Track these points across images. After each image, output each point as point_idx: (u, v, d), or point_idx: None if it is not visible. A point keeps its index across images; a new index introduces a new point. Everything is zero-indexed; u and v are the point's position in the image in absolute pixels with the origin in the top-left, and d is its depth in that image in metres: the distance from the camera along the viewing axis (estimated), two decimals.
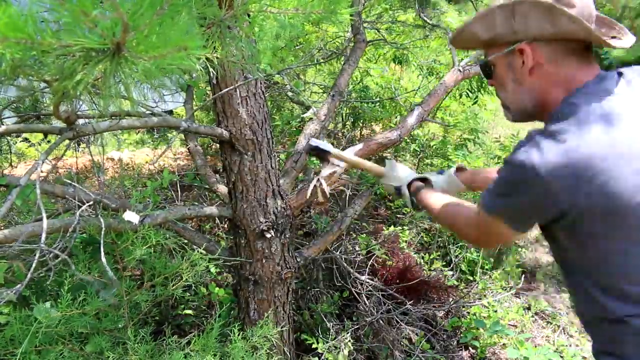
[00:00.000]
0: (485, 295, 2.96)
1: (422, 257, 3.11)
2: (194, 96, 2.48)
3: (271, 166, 1.75)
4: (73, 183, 1.37)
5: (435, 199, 1.27)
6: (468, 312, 2.82)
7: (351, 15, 2.31)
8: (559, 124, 0.86)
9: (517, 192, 0.89)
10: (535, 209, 0.89)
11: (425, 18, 3.10)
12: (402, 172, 1.46)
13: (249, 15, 0.67)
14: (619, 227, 0.85)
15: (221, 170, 2.57)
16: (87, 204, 1.29)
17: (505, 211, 0.94)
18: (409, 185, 1.41)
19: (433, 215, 1.26)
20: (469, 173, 1.48)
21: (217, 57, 0.72)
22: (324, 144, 1.54)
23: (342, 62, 2.37)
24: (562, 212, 0.85)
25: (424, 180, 1.44)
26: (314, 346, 2.14)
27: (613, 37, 0.95)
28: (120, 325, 1.52)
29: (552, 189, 0.83)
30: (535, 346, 2.48)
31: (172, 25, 0.42)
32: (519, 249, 3.35)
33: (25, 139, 3.97)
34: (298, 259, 1.95)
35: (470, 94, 3.69)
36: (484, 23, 0.98)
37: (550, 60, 0.93)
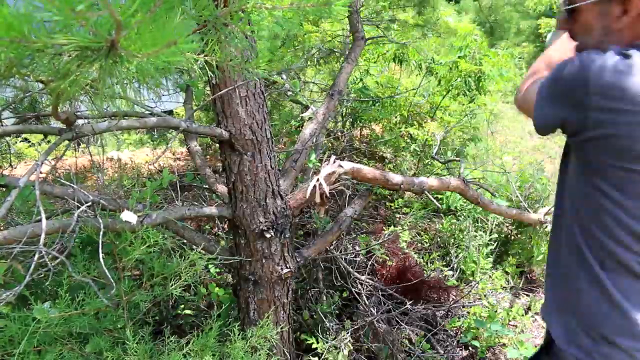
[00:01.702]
0: (485, 295, 2.96)
1: (422, 257, 3.11)
2: (194, 96, 2.48)
3: (271, 166, 1.74)
4: (72, 185, 1.37)
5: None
6: (468, 312, 2.82)
7: (348, 9, 2.31)
8: (633, 49, 0.85)
9: (556, 90, 0.91)
10: (566, 118, 0.90)
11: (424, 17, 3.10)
12: None
13: (244, 12, 0.67)
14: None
15: (221, 170, 2.57)
16: (86, 205, 1.29)
17: (540, 96, 0.95)
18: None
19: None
20: None
21: (215, 60, 0.72)
22: None
23: (342, 61, 2.36)
24: (576, 130, 0.88)
25: None
26: (313, 346, 2.13)
27: None
28: (119, 326, 1.52)
29: (593, 104, 0.83)
30: (535, 346, 2.48)
31: (165, 23, 0.42)
32: (519, 251, 3.35)
33: (25, 139, 3.97)
34: (298, 259, 1.95)
35: (467, 93, 3.70)
36: None
37: None
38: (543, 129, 0.99)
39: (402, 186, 1.98)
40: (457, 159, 2.58)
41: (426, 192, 2.08)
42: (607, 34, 0.94)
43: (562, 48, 1.15)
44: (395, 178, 1.97)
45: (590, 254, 0.95)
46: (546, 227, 2.65)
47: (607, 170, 0.88)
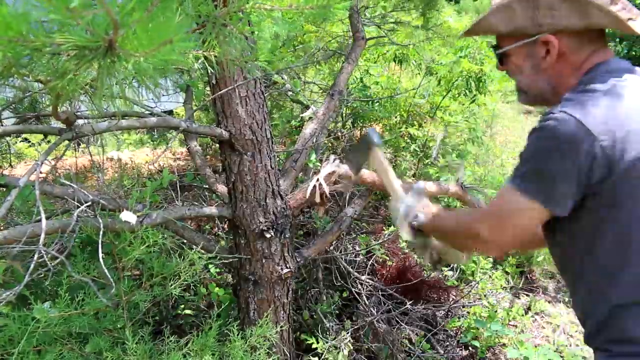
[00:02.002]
0: (485, 295, 2.96)
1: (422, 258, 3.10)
2: (194, 96, 2.47)
3: (271, 166, 1.74)
4: (71, 184, 1.37)
5: (444, 214, 1.18)
6: (468, 312, 2.81)
7: (349, 12, 2.31)
8: (587, 88, 0.88)
9: (556, 156, 0.85)
10: (578, 173, 0.84)
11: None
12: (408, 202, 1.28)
13: (243, 12, 0.67)
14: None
15: (221, 170, 2.56)
16: (86, 205, 1.29)
17: (538, 187, 0.88)
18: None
19: (443, 230, 1.15)
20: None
21: (214, 56, 0.72)
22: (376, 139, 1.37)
23: (342, 61, 2.36)
24: (603, 174, 0.83)
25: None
26: (313, 346, 2.13)
27: (629, 19, 0.94)
28: (119, 325, 1.52)
29: (597, 144, 0.81)
30: (536, 346, 2.48)
31: (163, 22, 0.42)
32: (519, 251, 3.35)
33: (25, 139, 3.97)
34: (298, 259, 1.95)
35: (468, 93, 3.69)
36: (502, 15, 0.97)
37: (572, 50, 0.94)
38: (566, 209, 0.88)
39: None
40: (457, 161, 2.58)
41: None
42: (538, 73, 0.99)
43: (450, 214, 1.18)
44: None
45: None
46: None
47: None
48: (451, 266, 3.10)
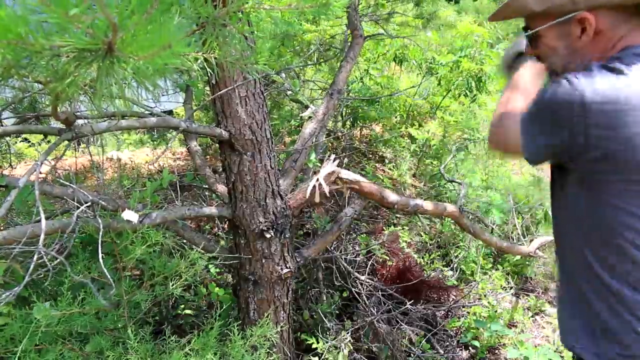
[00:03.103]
0: (485, 295, 2.96)
1: (422, 257, 3.11)
2: (194, 96, 2.47)
3: (270, 166, 1.74)
4: (71, 184, 1.37)
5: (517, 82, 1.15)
6: (468, 312, 2.82)
7: (347, 10, 2.31)
8: (610, 64, 0.85)
9: (546, 119, 0.87)
10: (561, 142, 0.86)
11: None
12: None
13: (242, 13, 0.67)
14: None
15: (221, 170, 2.56)
16: (85, 205, 1.29)
17: (528, 130, 0.92)
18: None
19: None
20: None
21: (214, 58, 0.72)
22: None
23: (341, 60, 2.36)
24: (588, 149, 0.83)
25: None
26: (313, 346, 2.14)
27: None
28: (120, 325, 1.52)
29: (590, 123, 0.81)
30: (536, 346, 2.48)
31: (162, 25, 0.42)
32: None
33: (25, 139, 3.97)
34: (298, 259, 1.95)
35: (468, 94, 3.69)
36: None
37: (610, 27, 0.91)
38: (536, 161, 0.95)
39: (396, 206, 2.00)
40: (459, 181, 2.58)
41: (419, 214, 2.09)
42: (572, 54, 0.96)
43: (527, 74, 1.13)
44: (391, 197, 1.98)
45: (607, 274, 0.91)
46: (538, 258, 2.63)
47: (617, 186, 0.85)
48: (451, 266, 3.10)
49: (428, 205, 2.09)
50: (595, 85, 0.81)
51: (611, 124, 0.80)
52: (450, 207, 2.14)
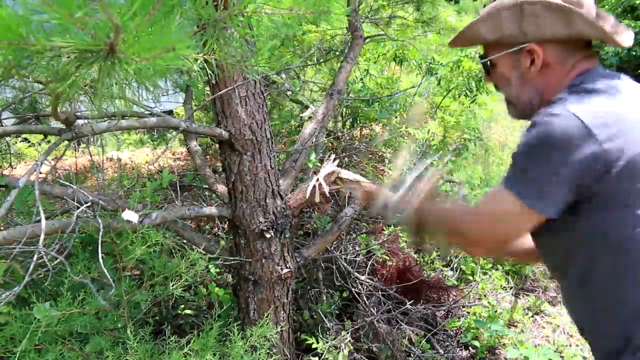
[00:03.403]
0: (485, 295, 2.96)
1: (422, 257, 3.11)
2: (194, 96, 2.47)
3: (270, 166, 1.74)
4: (71, 184, 1.37)
5: (437, 206, 1.12)
6: (468, 312, 2.82)
7: (348, 18, 2.31)
8: (579, 88, 0.87)
9: (552, 156, 0.81)
10: (574, 174, 0.80)
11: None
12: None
13: (243, 16, 0.67)
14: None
15: (221, 170, 2.56)
16: (85, 205, 1.29)
17: (530, 189, 0.84)
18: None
19: (439, 222, 1.07)
20: None
21: (214, 59, 0.72)
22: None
23: (341, 60, 2.36)
24: (599, 174, 0.79)
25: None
26: (313, 346, 2.14)
27: (614, 34, 0.94)
28: (120, 325, 1.52)
29: (596, 142, 0.78)
30: (535, 346, 2.48)
31: (163, 27, 0.42)
32: None
33: (25, 139, 3.97)
34: (298, 259, 1.95)
35: (468, 94, 3.69)
36: (489, 24, 0.98)
37: (558, 60, 0.94)
38: (556, 209, 0.84)
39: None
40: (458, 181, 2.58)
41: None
42: (523, 84, 0.99)
43: (429, 207, 1.10)
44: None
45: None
46: None
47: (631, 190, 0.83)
48: (451, 266, 3.10)
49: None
50: (583, 107, 0.82)
51: (618, 134, 0.80)
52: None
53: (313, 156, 2.20)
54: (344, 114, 3.99)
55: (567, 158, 0.80)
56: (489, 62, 1.03)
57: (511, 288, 3.12)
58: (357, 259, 2.76)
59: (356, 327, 2.39)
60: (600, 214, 0.85)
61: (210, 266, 2.46)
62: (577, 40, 0.93)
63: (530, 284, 3.27)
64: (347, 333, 2.22)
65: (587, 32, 0.90)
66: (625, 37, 0.94)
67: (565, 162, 0.80)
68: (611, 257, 0.86)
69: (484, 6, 1.04)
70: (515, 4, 0.93)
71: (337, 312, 2.48)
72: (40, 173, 1.11)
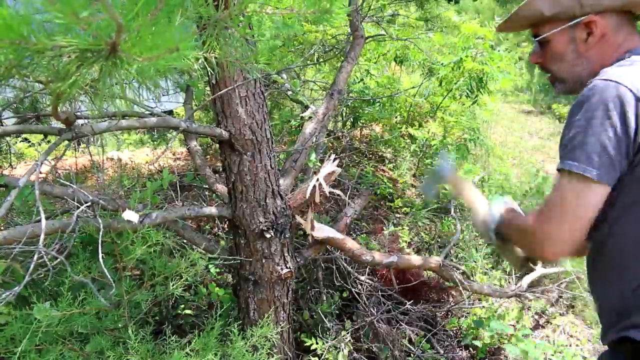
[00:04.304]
0: (485, 295, 2.96)
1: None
2: (194, 96, 2.47)
3: (271, 166, 1.74)
4: (71, 185, 1.37)
5: (517, 218, 1.06)
6: (468, 313, 2.82)
7: (348, 18, 2.31)
8: (625, 62, 0.91)
9: (607, 124, 0.81)
10: (627, 139, 0.80)
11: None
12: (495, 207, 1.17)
13: (244, 16, 0.67)
14: None
15: (221, 170, 2.56)
16: (85, 205, 1.29)
17: (592, 163, 0.81)
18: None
19: (514, 232, 1.04)
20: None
21: (215, 58, 0.72)
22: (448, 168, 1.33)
23: (342, 60, 2.36)
24: None
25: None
26: (313, 346, 2.14)
27: None
28: (120, 325, 1.52)
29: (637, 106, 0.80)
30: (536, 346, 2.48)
31: (166, 27, 0.42)
32: None
33: (25, 139, 3.97)
34: (298, 259, 1.95)
35: (469, 94, 3.69)
36: None
37: (612, 30, 0.96)
38: (612, 175, 0.82)
39: (370, 262, 2.07)
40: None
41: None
42: (577, 58, 1.00)
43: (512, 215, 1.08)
44: (365, 256, 2.03)
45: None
46: None
47: None
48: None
49: (406, 260, 2.13)
50: (627, 77, 0.84)
51: None
52: (433, 260, 2.18)
53: (313, 156, 2.20)
54: (344, 114, 3.99)
55: (621, 122, 0.81)
56: (542, 41, 1.03)
57: (512, 290, 3.11)
58: None
59: (356, 327, 2.39)
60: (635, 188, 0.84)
61: (210, 266, 2.46)
62: (625, 12, 0.96)
63: (531, 284, 3.27)
64: (347, 333, 2.22)
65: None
66: None
67: (621, 127, 0.81)
68: (629, 226, 0.86)
69: None
70: None
71: (337, 312, 2.48)
72: (40, 173, 1.11)
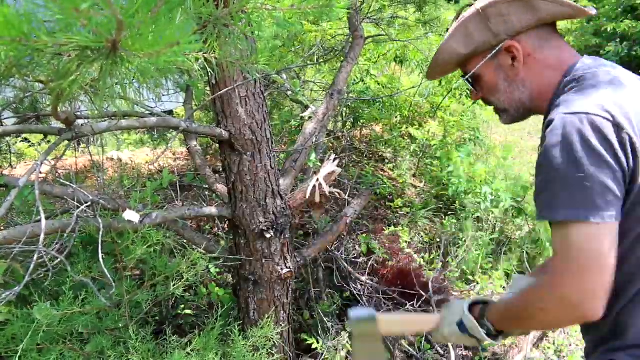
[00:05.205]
0: (485, 296, 2.96)
1: (422, 257, 3.11)
2: (194, 96, 2.48)
3: (270, 166, 1.74)
4: (71, 184, 1.37)
5: (509, 301, 0.96)
6: None
7: (348, 11, 2.32)
8: (583, 83, 0.85)
9: (597, 160, 0.75)
10: (621, 170, 0.75)
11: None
12: (455, 307, 1.07)
13: (244, 13, 0.67)
14: None
15: (221, 170, 2.56)
16: (86, 205, 1.29)
17: (597, 203, 0.74)
18: (471, 311, 1.02)
19: (520, 317, 0.92)
20: (538, 267, 1.22)
21: (215, 57, 0.72)
22: (367, 312, 1.16)
23: (342, 60, 2.36)
24: (631, 165, 0.76)
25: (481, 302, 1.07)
26: (313, 346, 2.13)
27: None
28: (121, 325, 1.52)
29: (624, 133, 0.75)
30: (535, 344, 2.48)
31: (167, 23, 0.42)
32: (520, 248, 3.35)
33: (25, 139, 3.97)
34: (298, 259, 1.95)
35: (470, 94, 3.69)
36: (460, 39, 0.98)
37: (536, 48, 0.94)
38: (619, 214, 0.77)
39: None
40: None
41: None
42: (512, 84, 0.98)
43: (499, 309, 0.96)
44: None
45: None
46: None
47: None
48: (451, 266, 3.10)
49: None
50: (598, 102, 0.80)
51: (630, 125, 0.78)
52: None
53: (313, 156, 2.20)
54: (344, 114, 3.99)
55: (611, 155, 0.76)
56: (472, 78, 1.02)
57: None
58: (358, 259, 2.76)
59: None
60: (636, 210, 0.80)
61: (210, 266, 2.46)
62: (544, 25, 0.94)
63: None
64: (347, 334, 2.22)
65: (554, 11, 0.91)
66: (589, 7, 0.95)
67: (612, 160, 0.76)
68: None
69: (447, 30, 1.03)
70: (477, 13, 0.94)
71: (337, 312, 2.48)
72: (41, 173, 1.11)
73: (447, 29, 1.03)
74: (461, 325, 1.01)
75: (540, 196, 0.82)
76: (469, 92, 1.10)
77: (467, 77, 1.03)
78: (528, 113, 1.01)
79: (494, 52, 0.96)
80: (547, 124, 0.85)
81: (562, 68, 0.93)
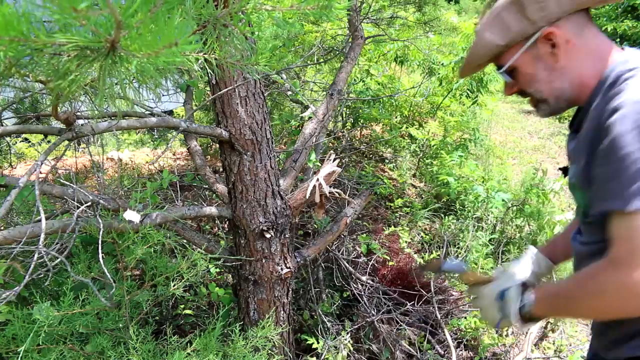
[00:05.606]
0: None
1: (422, 257, 3.10)
2: (194, 96, 2.48)
3: (271, 166, 1.75)
4: (71, 184, 1.37)
5: (561, 282, 0.96)
6: (468, 313, 2.81)
7: (348, 12, 2.32)
8: (631, 73, 0.83)
9: None
10: None
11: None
12: (511, 276, 1.10)
13: (244, 13, 0.67)
14: None
15: (221, 170, 2.56)
16: (86, 205, 1.29)
17: None
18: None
19: (570, 298, 0.90)
20: (549, 245, 1.24)
21: (215, 58, 0.72)
22: (457, 264, 1.24)
23: (342, 60, 2.36)
24: None
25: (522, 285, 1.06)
26: (313, 346, 2.13)
27: None
28: (121, 325, 1.52)
29: None
30: (535, 345, 2.48)
31: (166, 23, 0.42)
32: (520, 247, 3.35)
33: (25, 139, 3.97)
34: (298, 259, 1.95)
35: (470, 94, 3.70)
36: (495, 30, 0.95)
37: (575, 34, 0.91)
38: None
39: None
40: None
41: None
42: (552, 73, 0.94)
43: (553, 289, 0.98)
44: None
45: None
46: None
47: None
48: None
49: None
50: None
51: None
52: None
53: (313, 156, 2.20)
54: (344, 114, 3.99)
55: None
56: (509, 70, 0.99)
57: None
58: (358, 259, 2.76)
59: (356, 327, 2.39)
60: None
61: (210, 266, 2.46)
62: (580, 11, 0.91)
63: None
64: (347, 333, 2.22)
65: None
66: None
67: None
68: None
69: (476, 24, 1.01)
70: (511, 1, 0.91)
71: (337, 312, 2.48)
72: (41, 173, 1.11)
73: (477, 22, 0.99)
74: (504, 292, 1.03)
75: (607, 185, 0.80)
76: (503, 86, 1.06)
77: (504, 69, 0.99)
78: (566, 104, 0.98)
79: (531, 40, 0.92)
80: (611, 111, 0.80)
81: (604, 56, 0.90)
